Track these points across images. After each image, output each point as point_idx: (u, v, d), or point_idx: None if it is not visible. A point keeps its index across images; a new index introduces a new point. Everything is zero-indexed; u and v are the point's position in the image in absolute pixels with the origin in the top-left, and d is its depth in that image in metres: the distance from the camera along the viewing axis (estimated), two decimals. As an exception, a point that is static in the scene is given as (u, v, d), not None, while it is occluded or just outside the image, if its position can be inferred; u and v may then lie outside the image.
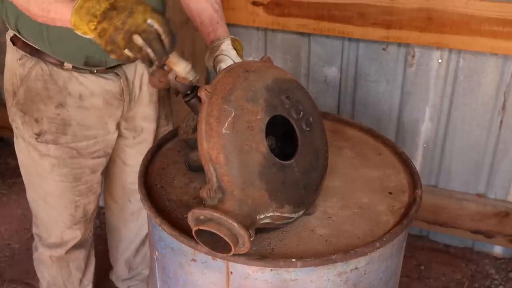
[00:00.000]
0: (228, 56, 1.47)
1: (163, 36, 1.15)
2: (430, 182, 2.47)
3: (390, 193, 1.44)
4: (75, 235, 1.87)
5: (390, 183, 1.48)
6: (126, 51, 1.14)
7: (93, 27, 1.13)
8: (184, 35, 2.35)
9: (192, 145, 1.47)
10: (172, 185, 1.45)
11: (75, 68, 1.60)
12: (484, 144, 2.31)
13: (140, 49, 1.14)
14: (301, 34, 2.36)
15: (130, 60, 1.16)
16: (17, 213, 2.85)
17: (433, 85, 2.27)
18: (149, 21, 1.12)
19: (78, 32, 1.18)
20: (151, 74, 1.43)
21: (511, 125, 2.23)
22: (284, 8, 2.27)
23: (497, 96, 2.20)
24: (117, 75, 1.66)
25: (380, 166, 1.55)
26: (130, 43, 1.13)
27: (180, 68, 1.30)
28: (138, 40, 1.13)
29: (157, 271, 1.42)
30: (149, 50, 1.15)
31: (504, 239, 2.41)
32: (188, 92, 1.41)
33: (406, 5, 2.10)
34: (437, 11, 2.07)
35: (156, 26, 1.13)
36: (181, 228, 1.24)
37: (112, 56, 1.16)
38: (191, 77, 1.32)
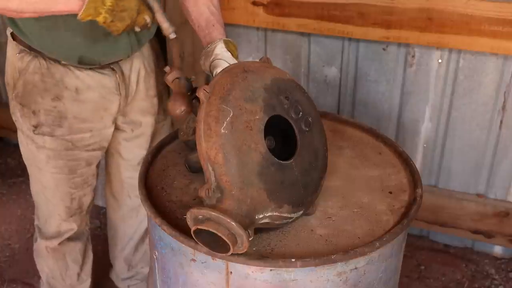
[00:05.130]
0: (223, 59, 1.48)
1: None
2: (430, 182, 2.46)
3: (390, 192, 1.44)
4: (71, 227, 1.91)
5: (390, 182, 1.48)
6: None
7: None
8: (184, 35, 2.35)
9: (192, 147, 1.47)
10: (172, 186, 1.45)
11: (71, 64, 1.63)
12: (484, 144, 2.31)
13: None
14: (301, 34, 2.36)
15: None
16: (17, 213, 2.84)
17: (433, 85, 2.27)
18: (146, 17, 1.43)
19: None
20: (171, 100, 1.44)
21: (511, 125, 2.23)
22: (284, 8, 2.27)
23: (497, 96, 2.20)
24: (113, 70, 1.69)
25: (380, 165, 1.55)
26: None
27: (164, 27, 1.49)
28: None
29: (157, 271, 1.42)
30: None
31: (504, 239, 2.41)
32: (189, 94, 1.42)
33: (406, 5, 2.10)
34: (437, 11, 2.07)
35: (148, 21, 1.44)
36: (181, 229, 1.24)
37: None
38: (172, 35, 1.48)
